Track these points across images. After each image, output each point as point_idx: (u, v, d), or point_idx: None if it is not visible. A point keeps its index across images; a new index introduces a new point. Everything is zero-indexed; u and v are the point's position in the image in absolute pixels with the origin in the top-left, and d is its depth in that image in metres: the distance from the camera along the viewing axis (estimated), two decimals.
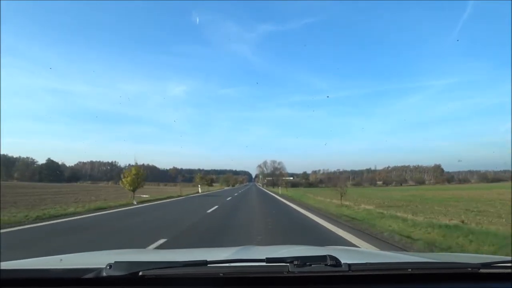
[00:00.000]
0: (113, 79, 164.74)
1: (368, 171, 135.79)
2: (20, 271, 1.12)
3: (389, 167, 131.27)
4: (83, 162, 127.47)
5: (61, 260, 1.36)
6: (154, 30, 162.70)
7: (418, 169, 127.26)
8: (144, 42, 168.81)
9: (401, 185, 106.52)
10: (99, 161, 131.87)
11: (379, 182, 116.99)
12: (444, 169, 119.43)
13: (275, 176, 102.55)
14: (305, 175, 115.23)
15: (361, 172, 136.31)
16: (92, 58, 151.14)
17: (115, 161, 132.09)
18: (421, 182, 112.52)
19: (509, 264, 1.14)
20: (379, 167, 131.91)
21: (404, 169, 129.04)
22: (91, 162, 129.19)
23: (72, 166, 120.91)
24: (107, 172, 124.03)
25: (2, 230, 6.80)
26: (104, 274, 0.99)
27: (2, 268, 1.04)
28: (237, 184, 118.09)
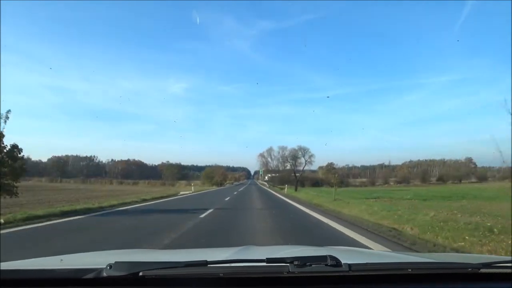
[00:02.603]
0: (112, 76, 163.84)
1: (382, 166, 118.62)
2: (20, 271, 1.12)
3: (411, 161, 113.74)
4: (57, 156, 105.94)
5: (61, 260, 1.36)
6: (155, 27, 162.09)
7: (447, 163, 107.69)
8: (144, 39, 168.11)
9: (460, 181, 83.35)
10: (76, 155, 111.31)
11: (433, 179, 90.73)
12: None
13: (286, 171, 67.94)
14: (330, 168, 72.40)
15: (372, 168, 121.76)
16: (90, 55, 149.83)
17: (94, 156, 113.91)
18: (483, 178, 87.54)
19: (510, 264, 1.14)
20: (393, 163, 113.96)
21: (430, 163, 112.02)
22: (66, 156, 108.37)
23: (44, 161, 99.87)
24: (83, 168, 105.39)
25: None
26: (105, 274, 0.99)
27: (2, 268, 1.05)
28: (228, 183, 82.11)
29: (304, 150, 54.00)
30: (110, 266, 1.00)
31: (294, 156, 54.09)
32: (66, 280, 1.03)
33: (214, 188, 51.22)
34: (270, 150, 76.59)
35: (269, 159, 77.23)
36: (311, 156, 53.86)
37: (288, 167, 70.47)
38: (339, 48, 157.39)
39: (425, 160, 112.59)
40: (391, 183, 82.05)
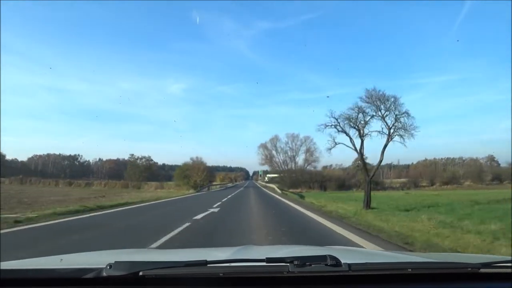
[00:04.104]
0: (111, 77, 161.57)
1: (390, 166, 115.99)
2: (20, 271, 1.12)
3: (425, 159, 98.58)
4: (38, 155, 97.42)
5: (61, 260, 1.36)
6: (153, 27, 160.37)
7: (468, 162, 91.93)
8: (142, 40, 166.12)
9: None
10: (58, 154, 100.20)
11: (487, 178, 72.18)
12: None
13: (298, 170, 48.47)
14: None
15: (380, 167, 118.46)
16: (89, 55, 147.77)
17: (78, 154, 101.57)
18: None
19: (509, 264, 1.14)
20: (403, 162, 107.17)
21: (446, 162, 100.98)
22: (48, 155, 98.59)
23: (23, 160, 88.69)
24: (65, 168, 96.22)
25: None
26: (104, 274, 0.99)
27: (2, 268, 1.05)
28: (217, 185, 56.63)
29: (387, 100, 13.53)
30: (110, 265, 1.00)
31: (361, 114, 14.07)
32: (66, 280, 1.03)
33: (176, 196, 25.30)
34: (275, 140, 53.59)
35: (273, 152, 53.83)
36: (404, 114, 13.57)
37: (301, 162, 49.60)
38: (338, 48, 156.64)
39: (441, 158, 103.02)
40: (437, 183, 62.69)
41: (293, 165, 53.33)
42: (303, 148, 53.44)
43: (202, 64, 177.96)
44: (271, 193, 30.90)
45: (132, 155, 63.51)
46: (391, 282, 1.08)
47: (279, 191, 32.43)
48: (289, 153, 54.14)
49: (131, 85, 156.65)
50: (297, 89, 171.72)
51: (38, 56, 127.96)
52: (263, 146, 56.70)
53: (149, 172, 61.97)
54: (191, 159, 48.91)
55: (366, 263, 1.12)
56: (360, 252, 2.60)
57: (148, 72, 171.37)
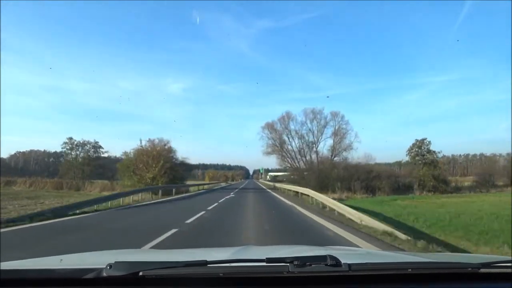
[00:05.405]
0: (111, 76, 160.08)
1: (399, 164, 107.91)
2: (20, 271, 1.12)
3: (443, 156, 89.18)
4: (22, 152, 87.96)
5: (61, 260, 1.36)
6: (153, 27, 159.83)
7: (491, 158, 75.07)
8: (142, 39, 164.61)
9: None
10: (43, 151, 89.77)
11: None
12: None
13: (324, 162, 32.71)
14: (425, 154, 32.96)
15: (389, 165, 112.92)
16: (89, 55, 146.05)
17: (64, 151, 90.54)
18: None
19: (509, 264, 1.15)
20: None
21: (465, 158, 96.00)
22: (30, 152, 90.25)
23: (3, 157, 73.19)
24: (49, 165, 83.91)
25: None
26: (104, 274, 0.99)
27: (2, 268, 1.05)
28: (200, 186, 33.42)
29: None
30: (110, 266, 1.00)
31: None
32: (66, 280, 1.03)
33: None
34: (286, 118, 35.16)
35: (285, 137, 35.27)
36: None
37: (325, 151, 33.04)
38: (339, 47, 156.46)
39: (460, 155, 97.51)
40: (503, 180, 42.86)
41: (314, 156, 34.96)
42: (329, 131, 35.12)
43: (202, 64, 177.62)
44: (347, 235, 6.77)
45: (71, 138, 40.65)
46: (391, 282, 1.08)
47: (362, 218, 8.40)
48: (306, 138, 34.89)
49: (131, 85, 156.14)
50: (297, 88, 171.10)
51: (38, 55, 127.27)
52: (269, 127, 35.76)
53: (95, 165, 40.63)
54: (149, 141, 27.66)
55: (366, 263, 1.12)
56: (360, 252, 2.60)
57: (148, 72, 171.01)
